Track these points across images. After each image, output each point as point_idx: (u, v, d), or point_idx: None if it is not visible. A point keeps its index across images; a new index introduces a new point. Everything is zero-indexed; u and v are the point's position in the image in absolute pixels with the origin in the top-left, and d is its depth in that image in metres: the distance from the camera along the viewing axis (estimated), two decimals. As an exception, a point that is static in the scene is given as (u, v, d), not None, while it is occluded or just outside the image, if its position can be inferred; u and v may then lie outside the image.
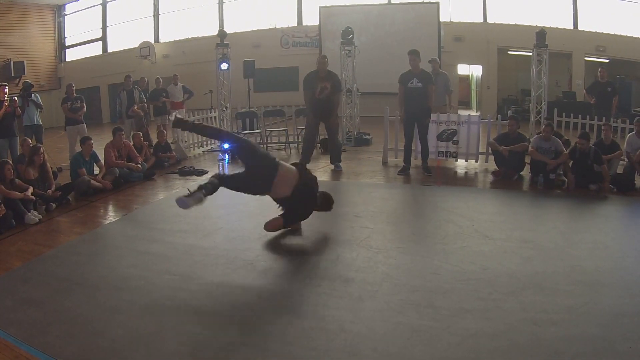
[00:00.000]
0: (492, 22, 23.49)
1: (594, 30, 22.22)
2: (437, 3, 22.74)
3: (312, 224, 8.01)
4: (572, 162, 10.30)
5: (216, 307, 5.38)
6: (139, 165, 12.04)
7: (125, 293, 5.83)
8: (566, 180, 10.23)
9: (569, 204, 9.31)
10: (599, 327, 4.70)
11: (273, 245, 7.08)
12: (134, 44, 27.89)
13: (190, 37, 27.82)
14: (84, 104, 14.59)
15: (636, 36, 21.80)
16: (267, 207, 8.76)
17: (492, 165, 11.57)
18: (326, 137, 12.99)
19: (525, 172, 11.04)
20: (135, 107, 15.27)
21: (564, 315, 4.87)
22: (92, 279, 6.34)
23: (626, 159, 10.80)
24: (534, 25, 19.47)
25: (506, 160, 11.04)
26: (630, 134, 11.12)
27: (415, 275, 6.01)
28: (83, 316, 5.30)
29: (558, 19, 22.38)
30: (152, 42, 28.06)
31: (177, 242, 7.53)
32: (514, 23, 22.84)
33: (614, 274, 6.03)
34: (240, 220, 8.48)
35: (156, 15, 28.80)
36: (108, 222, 9.06)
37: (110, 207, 10.15)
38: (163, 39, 28.74)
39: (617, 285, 5.71)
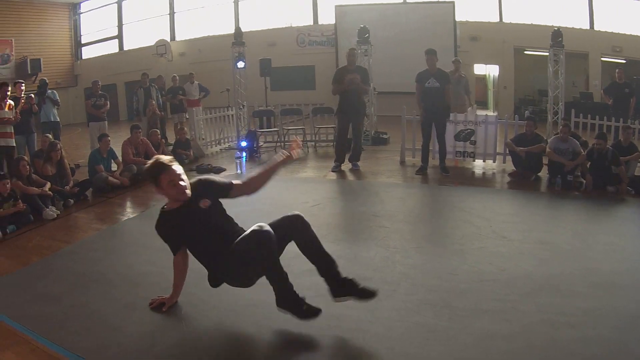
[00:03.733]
0: (508, 21, 23.45)
1: (610, 31, 22.10)
2: (453, 2, 22.78)
3: (330, 223, 8.08)
4: (589, 163, 10.25)
5: (232, 305, 5.39)
6: (156, 163, 12.09)
7: (142, 289, 5.88)
8: (584, 181, 10.20)
9: (587, 206, 9.28)
10: (614, 329, 4.68)
11: (290, 244, 7.08)
12: (150, 42, 28.09)
13: (206, 35, 27.93)
14: (108, 102, 14.73)
15: None
16: (282, 206, 8.82)
17: (510, 166, 11.55)
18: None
19: (543, 173, 10.99)
20: (152, 105, 15.32)
21: (580, 318, 4.86)
22: (109, 275, 6.40)
23: (644, 161, 10.74)
24: (550, 25, 19.39)
25: (523, 161, 11.01)
26: (649, 135, 11.09)
27: (433, 275, 6.02)
28: (100, 312, 5.36)
29: (574, 18, 22.28)
30: (168, 40, 28.25)
31: (195, 238, 7.57)
32: (530, 23, 22.75)
33: (631, 276, 6.00)
34: (257, 218, 8.40)
35: (172, 13, 28.99)
36: (125, 218, 9.14)
37: (128, 204, 10.23)
38: (179, 37, 28.91)
39: (633, 287, 5.69)
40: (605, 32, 22.21)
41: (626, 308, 5.12)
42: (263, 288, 4.93)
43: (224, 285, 5.23)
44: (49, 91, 13.95)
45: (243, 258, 4.78)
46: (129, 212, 9.68)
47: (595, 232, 7.78)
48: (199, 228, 5.09)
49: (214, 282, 5.11)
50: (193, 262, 5.36)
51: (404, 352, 4.41)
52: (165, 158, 5.24)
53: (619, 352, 4.37)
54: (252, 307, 5.28)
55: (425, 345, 4.49)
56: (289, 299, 4.80)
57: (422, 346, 4.48)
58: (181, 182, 5.09)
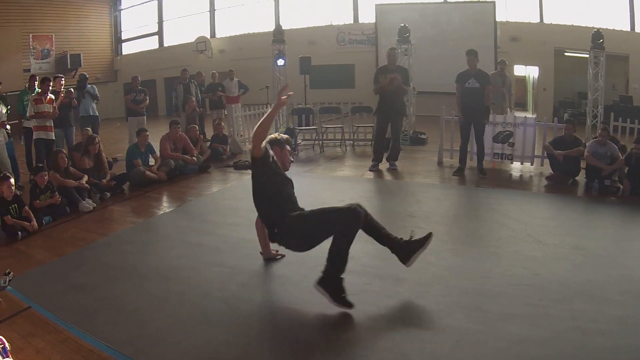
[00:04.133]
0: (549, 22, 23.22)
1: None
2: (494, 2, 22.68)
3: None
4: (627, 168, 10.14)
5: (265, 301, 5.50)
6: (194, 158, 12.23)
7: (175, 283, 5.99)
8: (621, 186, 10.09)
9: (623, 211, 9.14)
10: None
11: (325, 242, 7.12)
12: (190, 38, 28.34)
13: (246, 32, 28.06)
14: (147, 97, 14.96)
15: None
16: (321, 204, 8.79)
17: (548, 169, 11.43)
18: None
19: (580, 177, 10.89)
20: (192, 102, 15.46)
21: (612, 326, 4.80)
22: (142, 268, 6.54)
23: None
24: (591, 26, 19.18)
25: (561, 165, 10.92)
26: (689, 140, 10.93)
27: (466, 277, 6.02)
28: (131, 304, 5.48)
29: (615, 20, 22.00)
30: (208, 37, 28.45)
31: (229, 234, 7.67)
32: (570, 24, 22.51)
33: None
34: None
35: (212, 10, 29.26)
36: (161, 212, 9.26)
37: (164, 198, 10.36)
38: (219, 34, 29.16)
39: None
40: None
41: None
42: (296, 290, 4.98)
43: (254, 282, 5.39)
44: (89, 86, 14.17)
45: (326, 226, 5.43)
46: (165, 206, 9.80)
47: (631, 238, 7.67)
48: (288, 190, 6.00)
49: (277, 239, 5.84)
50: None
51: (434, 354, 4.43)
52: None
53: None
54: (284, 304, 5.40)
55: (455, 348, 4.51)
56: (335, 283, 5.24)
57: (452, 349, 4.50)
58: (291, 157, 6.35)
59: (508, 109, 14.94)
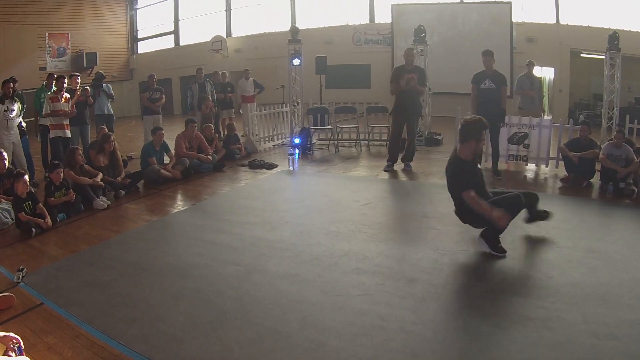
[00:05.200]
0: (565, 23, 23.11)
1: None
2: (510, 3, 22.58)
3: (380, 222, 8.20)
4: None
5: (279, 300, 5.50)
6: (209, 157, 12.29)
7: (189, 281, 6.04)
8: (636, 189, 10.05)
9: (638, 215, 9.07)
10: None
11: (340, 242, 7.17)
12: (206, 37, 28.49)
13: (262, 32, 28.13)
14: (163, 96, 15.10)
15: None
16: (335, 204, 8.96)
17: (562, 171, 11.38)
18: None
19: (595, 180, 10.84)
20: (209, 102, 15.54)
21: (625, 330, 4.78)
22: (157, 265, 6.60)
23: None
24: (607, 27, 19.09)
25: (576, 167, 10.86)
26: None
27: (479, 279, 6.04)
28: (146, 301, 5.54)
29: (631, 21, 21.90)
30: (224, 36, 28.57)
31: (244, 233, 7.72)
32: (586, 25, 22.38)
33: None
34: (308, 215, 8.60)
35: (228, 10, 29.36)
36: (176, 210, 9.32)
37: (179, 197, 10.42)
38: (235, 33, 29.26)
39: None
40: None
41: None
42: (310, 289, 5.01)
43: (268, 281, 5.59)
44: (104, 85, 14.23)
45: (502, 204, 6.68)
46: (180, 204, 9.86)
47: None
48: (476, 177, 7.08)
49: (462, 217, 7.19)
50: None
51: (446, 355, 4.45)
52: None
53: None
54: (297, 303, 5.40)
55: (468, 349, 4.53)
56: (495, 237, 6.78)
57: (464, 350, 4.52)
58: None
59: (541, 113, 14.87)
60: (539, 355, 4.42)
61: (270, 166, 12.58)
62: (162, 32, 31.55)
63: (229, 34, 29.42)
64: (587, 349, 4.50)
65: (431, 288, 5.71)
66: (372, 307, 5.20)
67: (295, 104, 16.20)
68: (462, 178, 6.87)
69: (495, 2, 23.32)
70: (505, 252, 6.66)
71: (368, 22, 26.39)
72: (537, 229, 7.70)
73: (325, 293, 5.55)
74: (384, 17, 25.67)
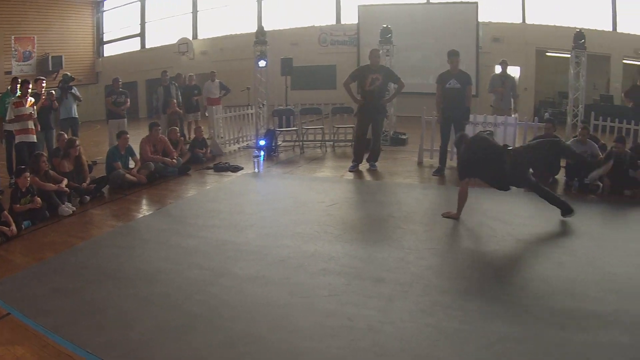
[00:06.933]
0: (531, 23, 23.38)
1: (633, 33, 22.03)
2: (476, 3, 22.77)
3: (345, 223, 8.15)
4: None
5: (246, 303, 5.43)
6: (174, 160, 12.18)
7: (157, 286, 5.93)
8: (601, 185, 10.16)
9: (603, 209, 9.23)
10: (627, 334, 4.65)
11: (306, 243, 7.12)
12: (172, 40, 28.25)
13: (228, 34, 28.02)
14: (128, 99, 14.94)
15: None
16: (301, 205, 8.93)
17: (527, 168, 11.47)
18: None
19: (560, 176, 10.96)
20: (173, 104, 15.48)
21: (593, 322, 4.84)
22: (123, 271, 6.46)
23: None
24: (573, 26, 19.28)
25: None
26: (668, 139, 11.05)
27: (446, 276, 6.04)
28: (113, 308, 5.41)
29: (597, 20, 22.21)
30: (190, 38, 28.42)
31: (210, 237, 7.63)
32: (552, 24, 22.68)
33: None
34: (274, 217, 8.54)
35: (195, 11, 29.20)
36: (141, 215, 9.20)
37: (144, 201, 10.29)
38: (201, 35, 29.12)
39: None
40: (628, 34, 22.18)
41: (638, 313, 5.09)
42: (277, 292, 4.97)
43: (236, 284, 5.60)
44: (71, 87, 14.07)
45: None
46: (145, 209, 9.74)
47: (611, 236, 7.73)
48: None
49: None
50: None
51: (415, 354, 4.42)
52: None
53: (632, 357, 4.35)
54: (265, 305, 5.33)
55: (436, 346, 4.50)
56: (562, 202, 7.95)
57: (432, 348, 4.49)
58: None
59: (513, 111, 15.04)
60: (508, 349, 4.42)
61: (236, 169, 12.49)
62: (128, 34, 31.29)
63: (195, 36, 29.25)
64: (556, 342, 4.52)
65: (398, 287, 5.68)
66: (339, 308, 5.17)
67: (261, 106, 16.12)
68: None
69: (461, 3, 23.47)
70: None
71: (335, 23, 26.41)
72: (503, 225, 7.77)
73: (293, 295, 5.51)
74: (350, 17, 25.71)
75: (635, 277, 6.05)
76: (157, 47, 29.79)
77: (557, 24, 22.56)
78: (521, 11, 23.53)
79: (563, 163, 10.89)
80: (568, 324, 4.81)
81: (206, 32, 29.28)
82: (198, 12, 29.42)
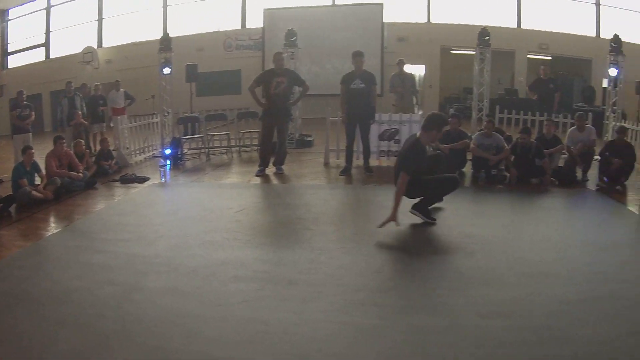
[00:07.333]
0: (436, 22, 23.89)
1: (537, 29, 22.87)
2: (381, 4, 23.19)
3: (254, 228, 8.08)
4: (513, 157, 10.55)
5: (160, 317, 5.24)
6: (81, 174, 11.83)
7: (70, 306, 5.64)
8: (508, 175, 10.40)
9: (511, 198, 9.51)
10: (544, 316, 4.78)
11: (216, 251, 7.00)
12: (77, 49, 27.57)
13: (133, 41, 27.57)
14: (33, 112, 14.41)
15: (578, 34, 22.59)
16: (209, 213, 8.79)
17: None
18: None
19: (467, 169, 11.18)
20: (78, 116, 15.12)
21: (509, 307, 4.96)
22: (35, 293, 6.13)
23: (567, 153, 11.01)
24: (478, 24, 19.71)
25: (448, 158, 11.06)
26: (572, 128, 11.42)
27: (359, 274, 6.01)
28: (26, 332, 5.08)
29: (502, 18, 22.92)
30: (96, 47, 27.76)
31: (120, 251, 7.36)
32: (457, 23, 23.23)
33: (557, 264, 6.18)
34: (183, 227, 8.35)
35: (100, 19, 28.53)
36: (50, 233, 8.84)
37: (52, 218, 9.92)
38: (106, 43, 28.51)
39: (560, 275, 5.86)
40: (532, 30, 23.17)
41: (554, 295, 5.27)
42: (191, 303, 4.84)
43: (147, 298, 5.48)
44: None
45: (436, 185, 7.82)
46: (53, 226, 9.39)
47: (520, 223, 8.01)
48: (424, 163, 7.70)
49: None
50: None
51: (333, 353, 4.36)
52: None
53: (550, 337, 4.45)
54: (179, 317, 5.17)
55: (354, 344, 4.47)
56: (426, 209, 7.79)
57: (350, 346, 4.45)
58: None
59: (417, 107, 15.25)
60: (426, 341, 4.45)
61: (142, 179, 12.17)
62: (32, 44, 30.41)
63: (100, 44, 28.57)
64: (474, 329, 4.59)
65: (311, 288, 5.62)
66: (254, 314, 5.07)
67: (166, 114, 15.85)
68: (412, 159, 7.45)
69: (366, 4, 23.78)
70: (435, 221, 7.68)
71: (240, 27, 26.32)
72: (412, 219, 7.80)
73: (206, 304, 5.37)
74: (255, 22, 25.68)
75: (546, 260, 6.28)
76: (62, 56, 28.99)
77: (462, 23, 23.14)
78: (426, 11, 24.01)
79: (470, 156, 11.07)
80: (485, 311, 4.90)
81: (111, 40, 28.72)
82: (103, 20, 28.84)
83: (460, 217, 8.19)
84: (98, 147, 14.93)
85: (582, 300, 5.16)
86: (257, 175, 11.84)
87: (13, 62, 30.76)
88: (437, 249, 6.78)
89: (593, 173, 10.89)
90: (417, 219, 7.81)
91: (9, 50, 30.74)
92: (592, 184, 10.55)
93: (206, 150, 14.95)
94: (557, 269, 6.02)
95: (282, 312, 5.09)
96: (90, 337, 4.89)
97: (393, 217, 7.19)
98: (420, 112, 14.55)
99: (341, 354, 4.35)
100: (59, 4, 29.10)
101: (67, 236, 8.51)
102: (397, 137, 12.47)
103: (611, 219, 8.53)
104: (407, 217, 7.81)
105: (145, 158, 15.26)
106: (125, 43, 27.89)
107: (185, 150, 14.96)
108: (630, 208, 9.07)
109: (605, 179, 10.35)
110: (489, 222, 7.89)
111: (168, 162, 13.11)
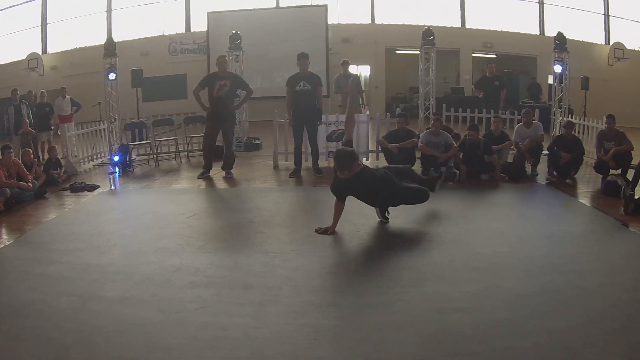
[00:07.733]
0: (380, 22, 24.06)
1: (481, 28, 23.21)
2: (325, 5, 23.22)
3: (207, 233, 8.03)
4: (462, 153, 10.72)
5: (118, 326, 5.14)
6: (30, 184, 11.64)
7: (28, 319, 5.50)
8: (457, 172, 10.52)
9: (462, 195, 9.61)
10: (502, 309, 4.88)
11: (170, 257, 6.92)
12: (21, 55, 27.05)
13: (78, 47, 27.18)
14: None
15: (522, 32, 23.06)
16: (161, 219, 8.70)
17: (383, 162, 11.66)
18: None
19: (417, 167, 11.19)
20: (25, 124, 14.87)
21: (467, 302, 5.03)
22: (-9, 307, 6.08)
23: (515, 149, 11.22)
24: (422, 24, 19.93)
25: (396, 157, 11.15)
26: (519, 124, 11.66)
27: (314, 276, 6.01)
28: (-16, 349, 5.04)
29: (446, 18, 23.23)
30: (40, 53, 27.25)
31: (74, 261, 7.21)
32: (401, 23, 23.45)
33: (513, 257, 6.30)
34: (136, 234, 8.23)
35: (44, 25, 27.92)
36: (2, 245, 8.67)
37: (3, 230, 9.70)
38: (51, 49, 27.92)
39: (516, 268, 5.97)
40: (477, 29, 23.56)
41: (512, 288, 5.37)
42: (148, 310, 4.80)
43: (105, 308, 5.45)
44: None
45: (410, 194, 7.92)
46: (5, 238, 9.17)
47: (473, 219, 8.07)
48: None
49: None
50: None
51: (294, 355, 4.36)
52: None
53: (509, 330, 4.53)
54: (138, 326, 5.10)
55: (314, 345, 4.46)
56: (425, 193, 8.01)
57: (311, 346, 4.44)
58: None
59: (363, 107, 15.32)
60: (386, 339, 4.46)
61: (92, 187, 11.99)
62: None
63: (44, 50, 28.02)
64: (433, 325, 4.63)
65: (267, 291, 5.61)
66: (212, 319, 5.03)
67: (113, 120, 15.67)
68: (335, 190, 7.58)
69: (310, 6, 23.85)
70: (388, 219, 7.84)
71: (184, 31, 26.17)
72: (365, 220, 7.87)
73: (164, 312, 5.28)
74: (200, 25, 25.56)
75: (501, 254, 6.39)
76: (6, 63, 28.46)
77: (406, 23, 23.36)
78: (370, 12, 24.13)
79: (418, 155, 11.17)
80: (443, 306, 4.94)
81: (56, 46, 28.26)
82: (47, 25, 28.36)
83: (412, 215, 8.19)
84: (46, 156, 14.70)
85: (540, 292, 5.27)
86: (199, 178, 11.80)
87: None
88: (391, 247, 6.78)
89: (542, 167, 11.16)
90: (369, 219, 7.87)
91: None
92: (542, 178, 10.81)
93: (154, 156, 14.77)
94: (512, 263, 6.12)
95: (240, 317, 5.06)
96: (51, 349, 4.79)
97: (332, 230, 7.45)
98: (367, 113, 14.58)
99: (302, 355, 4.34)
100: (1, 10, 28.51)
101: (19, 247, 8.33)
102: (344, 138, 12.48)
103: (563, 212, 8.74)
104: (359, 217, 7.87)
105: (94, 165, 15.02)
106: (70, 49, 27.38)
107: (134, 157, 14.79)
108: (581, 200, 9.31)
109: (554, 172, 10.63)
110: (441, 219, 7.98)
111: (117, 169, 12.93)
